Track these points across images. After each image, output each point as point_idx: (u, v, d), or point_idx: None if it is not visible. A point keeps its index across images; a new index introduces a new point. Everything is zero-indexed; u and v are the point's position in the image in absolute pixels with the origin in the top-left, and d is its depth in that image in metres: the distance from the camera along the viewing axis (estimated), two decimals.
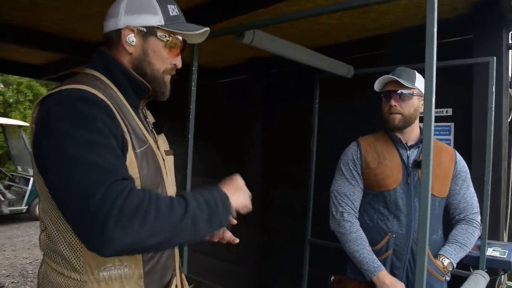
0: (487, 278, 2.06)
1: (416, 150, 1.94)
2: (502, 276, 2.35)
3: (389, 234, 1.87)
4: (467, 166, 2.01)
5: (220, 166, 4.40)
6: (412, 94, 1.88)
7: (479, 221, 1.97)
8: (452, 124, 2.68)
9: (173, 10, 1.16)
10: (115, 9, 1.14)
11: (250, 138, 3.84)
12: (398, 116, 1.88)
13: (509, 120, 2.97)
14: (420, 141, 1.93)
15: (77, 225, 0.91)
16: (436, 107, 2.73)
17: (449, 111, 2.69)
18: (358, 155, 1.98)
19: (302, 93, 3.30)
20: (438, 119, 2.72)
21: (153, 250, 1.05)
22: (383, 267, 1.81)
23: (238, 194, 1.14)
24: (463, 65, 2.37)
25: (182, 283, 1.32)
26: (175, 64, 1.20)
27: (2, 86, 12.56)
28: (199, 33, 1.20)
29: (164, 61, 1.17)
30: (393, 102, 1.87)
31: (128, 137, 1.05)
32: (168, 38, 1.15)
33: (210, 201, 1.02)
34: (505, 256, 2.15)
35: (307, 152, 2.98)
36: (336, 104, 3.21)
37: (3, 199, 7.75)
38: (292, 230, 3.45)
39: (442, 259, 1.85)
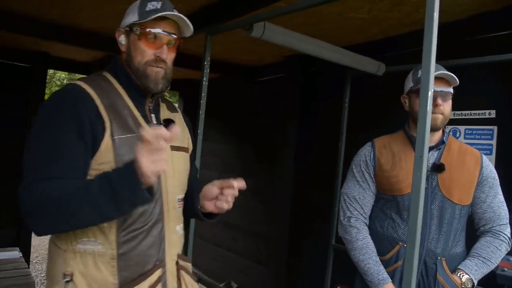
0: None
1: (437, 152, 1.77)
2: None
3: (400, 243, 1.71)
4: (495, 172, 1.79)
5: (254, 164, 4.37)
6: (451, 93, 1.74)
7: (508, 234, 1.74)
8: (495, 128, 2.44)
9: (152, 5, 1.24)
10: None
11: (284, 138, 3.75)
12: (440, 117, 1.70)
13: None
14: (441, 142, 1.77)
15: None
16: (477, 109, 2.52)
17: (492, 113, 2.45)
18: (371, 156, 1.84)
19: (339, 93, 3.16)
20: (479, 121, 2.49)
21: (73, 230, 1.15)
22: (389, 279, 1.66)
23: (147, 159, 0.99)
24: (507, 61, 2.13)
25: (180, 278, 1.31)
26: (158, 56, 1.25)
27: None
28: (185, 23, 1.26)
29: (142, 53, 1.25)
30: (439, 101, 1.69)
31: (108, 125, 1.16)
32: (140, 30, 1.24)
33: (114, 181, 1.03)
34: None
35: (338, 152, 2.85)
36: (370, 104, 3.05)
37: None
38: (321, 234, 3.32)
39: (461, 274, 1.66)
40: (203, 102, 1.97)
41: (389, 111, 2.90)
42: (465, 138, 2.53)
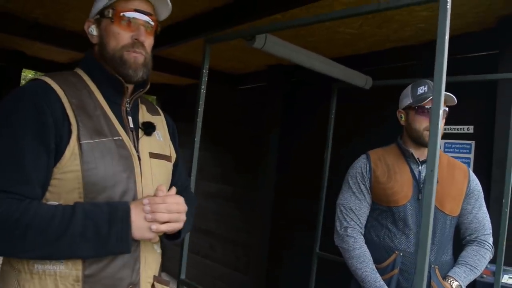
0: None
1: None
2: None
3: (396, 252, 1.79)
4: (480, 185, 1.91)
5: (234, 173, 4.38)
6: (447, 111, 1.83)
7: (491, 243, 1.86)
8: (473, 143, 2.56)
9: None
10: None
11: (266, 146, 3.79)
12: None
13: None
14: None
15: None
16: (456, 124, 2.64)
17: (470, 129, 2.58)
18: (367, 169, 1.91)
19: (321, 104, 3.23)
20: (458, 136, 2.61)
21: (30, 258, 1.01)
22: (386, 287, 1.72)
23: (141, 223, 1.03)
24: (486, 80, 2.26)
25: None
26: (136, 39, 1.14)
27: None
28: (161, 2, 1.18)
29: (117, 36, 1.13)
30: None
31: (74, 127, 1.03)
32: (112, 13, 1.12)
33: (100, 229, 0.97)
34: None
35: (323, 162, 2.91)
36: (355, 116, 3.14)
37: None
38: (303, 242, 3.37)
39: (451, 281, 1.75)
40: (200, 110, 1.97)
41: (371, 122, 3.00)
42: (445, 151, 2.65)
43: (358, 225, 1.87)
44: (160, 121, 1.36)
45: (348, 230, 1.86)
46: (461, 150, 2.61)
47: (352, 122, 3.17)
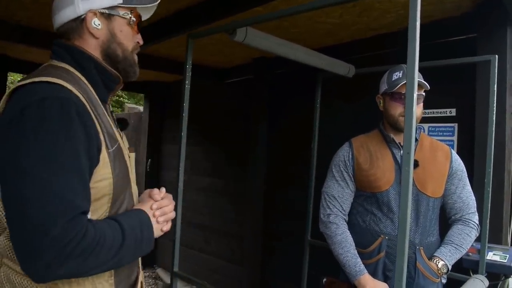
0: (486, 283, 2.00)
1: None
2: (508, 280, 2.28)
3: (382, 236, 1.84)
4: (463, 165, 1.96)
5: (225, 166, 4.42)
6: (423, 96, 1.87)
7: (476, 221, 1.91)
8: (455, 125, 2.62)
9: None
10: None
11: (254, 138, 3.83)
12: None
13: None
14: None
15: (21, 250, 0.88)
16: (439, 107, 2.70)
17: (452, 112, 2.63)
18: (349, 157, 1.96)
19: (306, 94, 3.27)
20: (441, 119, 2.67)
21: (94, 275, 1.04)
22: (365, 271, 1.78)
23: (155, 225, 1.14)
24: (465, 63, 2.31)
25: (142, 280, 1.33)
26: (138, 42, 1.19)
27: None
28: (152, 6, 1.20)
29: (131, 39, 1.16)
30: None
31: (102, 137, 1.01)
32: (130, 15, 1.14)
33: (138, 237, 1.05)
34: (505, 261, 2.09)
35: (311, 152, 2.95)
36: (339, 104, 3.19)
37: None
38: (295, 231, 3.43)
39: (437, 261, 1.80)
40: (186, 105, 2.00)
41: (356, 110, 3.05)
42: (429, 134, 2.70)
43: (340, 212, 1.92)
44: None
45: (331, 217, 1.91)
46: (444, 133, 2.67)
47: (337, 110, 3.21)
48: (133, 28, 1.15)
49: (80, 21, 1.08)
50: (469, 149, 2.43)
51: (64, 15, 1.09)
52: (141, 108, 6.91)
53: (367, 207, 1.91)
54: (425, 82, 1.81)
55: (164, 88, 5.34)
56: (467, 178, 1.96)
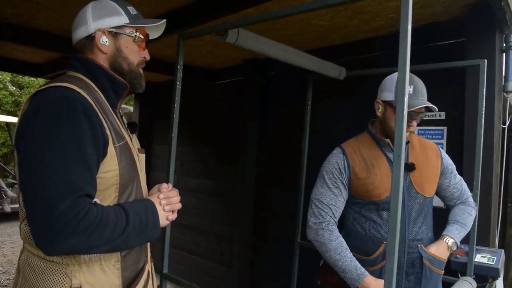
0: (474, 285, 2.01)
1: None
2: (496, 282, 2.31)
3: (384, 242, 1.79)
4: (449, 157, 2.03)
5: (216, 167, 4.41)
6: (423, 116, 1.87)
7: (473, 202, 2.03)
8: (445, 128, 2.65)
9: (133, 10, 1.33)
10: (82, 19, 1.28)
11: (245, 140, 3.82)
12: (408, 134, 1.82)
13: (507, 124, 2.93)
14: (406, 142, 1.89)
15: (34, 225, 1.03)
16: (429, 111, 2.72)
17: (442, 115, 2.66)
18: (345, 165, 1.88)
19: (297, 96, 3.28)
20: (431, 122, 2.69)
21: (92, 254, 1.16)
22: (366, 273, 1.73)
23: (162, 213, 1.26)
24: (454, 68, 2.33)
25: (152, 271, 1.43)
26: (144, 57, 1.36)
27: (14, 88, 12.74)
28: (157, 26, 1.38)
29: (136, 54, 1.33)
30: (415, 124, 1.81)
31: (108, 132, 1.16)
32: (135, 33, 1.31)
33: (143, 221, 1.16)
34: (493, 263, 2.11)
35: (301, 154, 2.96)
36: (330, 106, 3.19)
37: (5, 197, 7.80)
38: (285, 232, 3.43)
39: (447, 239, 1.85)
40: (176, 105, 1.99)
41: (346, 112, 3.06)
42: None
43: (333, 219, 1.85)
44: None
45: (323, 224, 1.83)
46: (434, 136, 2.69)
47: (328, 113, 3.21)
48: (139, 45, 1.32)
49: (91, 39, 1.27)
50: (458, 152, 2.45)
51: (79, 33, 1.28)
52: (131, 109, 6.87)
53: (365, 214, 1.86)
54: (434, 107, 1.78)
55: (154, 89, 5.31)
56: (455, 166, 2.03)
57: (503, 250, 2.23)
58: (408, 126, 1.79)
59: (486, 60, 2.14)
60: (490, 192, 2.32)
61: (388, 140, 1.87)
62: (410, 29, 1.21)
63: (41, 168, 1.02)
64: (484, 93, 2.13)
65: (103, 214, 1.05)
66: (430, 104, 1.77)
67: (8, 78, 11.33)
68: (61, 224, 0.97)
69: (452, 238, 1.86)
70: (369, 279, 1.73)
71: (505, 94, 2.57)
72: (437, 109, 1.80)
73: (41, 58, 4.29)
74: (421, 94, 1.81)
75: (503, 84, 2.46)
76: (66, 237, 0.98)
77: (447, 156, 2.02)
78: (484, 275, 2.17)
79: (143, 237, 1.17)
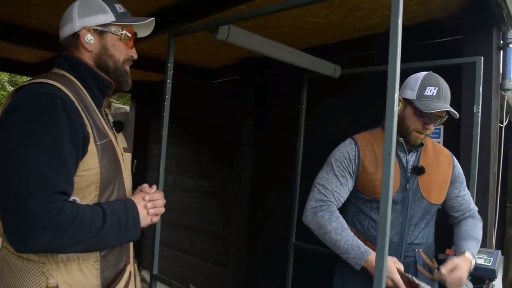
0: (471, 286, 1.98)
1: (415, 154, 1.85)
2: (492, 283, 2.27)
3: None
4: (460, 167, 1.97)
5: (210, 166, 4.38)
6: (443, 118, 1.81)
7: (479, 216, 1.99)
8: (441, 127, 2.61)
9: (120, 8, 1.32)
10: (68, 16, 1.27)
11: (240, 139, 3.79)
12: (424, 136, 1.78)
13: (505, 123, 2.90)
14: (420, 144, 1.83)
15: (6, 220, 1.01)
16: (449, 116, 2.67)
17: None
18: (355, 155, 1.81)
19: (293, 95, 3.24)
20: None
21: (74, 252, 1.14)
22: (371, 250, 1.64)
23: (144, 214, 1.25)
24: (451, 65, 2.29)
25: (134, 272, 1.40)
26: (131, 56, 1.35)
27: (12, 88, 12.77)
28: (146, 24, 1.36)
29: (123, 52, 1.31)
30: (432, 127, 1.76)
31: (90, 130, 1.15)
32: (122, 32, 1.30)
33: (122, 221, 1.14)
34: (489, 264, 2.06)
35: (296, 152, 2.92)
36: (326, 105, 3.16)
37: None
38: (280, 233, 3.40)
39: (472, 258, 1.75)
40: (167, 104, 1.96)
41: (342, 111, 3.02)
42: None
43: (335, 204, 1.78)
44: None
45: (323, 207, 1.75)
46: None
47: (324, 111, 3.18)
48: (126, 43, 1.31)
49: (76, 36, 1.26)
50: (454, 151, 2.41)
51: (65, 31, 1.28)
52: (128, 108, 6.84)
53: (366, 212, 1.81)
54: (456, 112, 1.72)
55: (150, 88, 5.28)
56: (465, 178, 1.98)
57: (500, 251, 2.19)
58: (426, 129, 1.74)
59: (482, 57, 2.11)
60: (487, 191, 2.28)
61: (402, 140, 1.80)
62: (400, 24, 1.18)
63: (15, 164, 1.01)
64: (481, 90, 2.10)
65: (78, 212, 1.04)
66: (451, 109, 1.70)
67: (6, 78, 11.31)
68: (33, 221, 0.96)
69: (474, 257, 1.77)
70: (374, 255, 1.62)
71: (502, 92, 2.53)
72: (458, 115, 1.73)
73: (35, 57, 4.25)
74: (444, 97, 1.73)
75: (500, 82, 2.43)
76: (37, 234, 0.97)
77: (459, 166, 1.95)
78: (480, 277, 2.13)
79: (122, 237, 1.16)
